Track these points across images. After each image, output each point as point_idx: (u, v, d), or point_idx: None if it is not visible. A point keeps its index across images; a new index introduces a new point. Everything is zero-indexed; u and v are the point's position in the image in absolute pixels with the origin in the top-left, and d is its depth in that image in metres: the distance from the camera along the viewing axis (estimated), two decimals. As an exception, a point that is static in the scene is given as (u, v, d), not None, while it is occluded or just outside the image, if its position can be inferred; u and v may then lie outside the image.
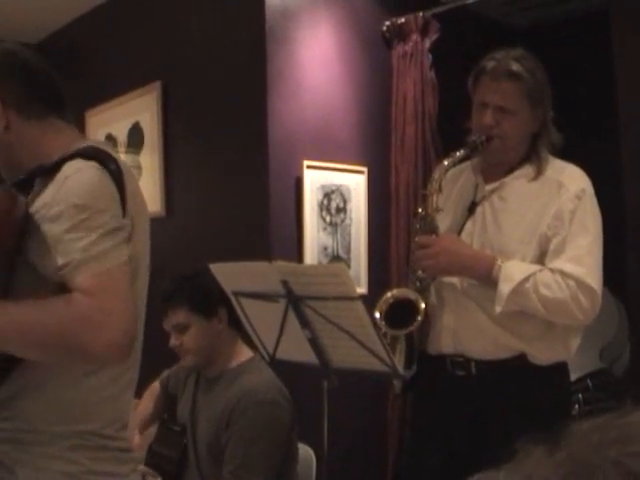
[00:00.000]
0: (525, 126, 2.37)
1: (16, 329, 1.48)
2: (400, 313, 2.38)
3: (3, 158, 1.68)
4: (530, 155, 2.41)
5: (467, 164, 2.54)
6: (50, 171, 1.56)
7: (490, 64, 2.35)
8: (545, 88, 2.37)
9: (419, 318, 2.36)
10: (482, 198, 2.43)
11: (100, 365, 1.57)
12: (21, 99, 1.65)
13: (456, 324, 2.39)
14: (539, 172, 2.37)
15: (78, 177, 1.50)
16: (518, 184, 2.39)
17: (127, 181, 1.59)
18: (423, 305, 2.37)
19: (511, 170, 2.42)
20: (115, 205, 1.53)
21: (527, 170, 2.40)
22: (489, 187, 2.43)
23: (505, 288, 2.23)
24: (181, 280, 2.58)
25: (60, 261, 1.47)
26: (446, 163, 2.43)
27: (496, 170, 2.44)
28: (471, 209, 2.44)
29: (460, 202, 2.50)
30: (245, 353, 2.62)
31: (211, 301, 2.51)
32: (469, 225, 2.43)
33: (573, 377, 2.90)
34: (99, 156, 1.56)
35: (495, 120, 2.34)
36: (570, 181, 2.32)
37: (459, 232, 2.44)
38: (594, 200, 2.33)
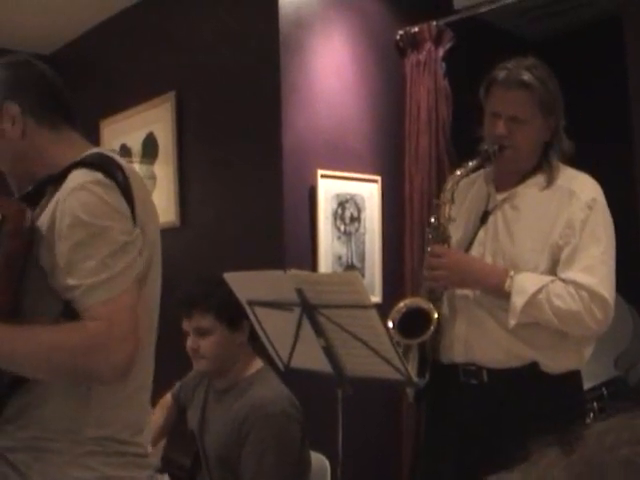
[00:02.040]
0: (537, 135, 2.37)
1: (30, 355, 1.52)
2: (413, 322, 2.37)
3: (16, 167, 1.70)
4: (542, 164, 2.40)
5: (479, 173, 2.53)
6: (57, 180, 1.57)
7: (502, 74, 2.35)
8: (557, 97, 2.37)
9: (432, 328, 2.36)
10: (494, 207, 2.43)
11: (100, 385, 1.60)
12: (38, 108, 1.67)
13: (468, 333, 2.38)
14: (550, 181, 2.37)
15: (82, 193, 1.51)
16: (530, 193, 2.39)
17: (135, 188, 1.60)
18: (436, 315, 2.37)
19: (523, 179, 2.41)
20: (122, 218, 1.54)
21: (539, 179, 2.39)
22: (501, 196, 2.43)
23: (519, 301, 2.22)
24: (212, 285, 2.53)
25: (70, 282, 1.50)
26: (459, 173, 2.43)
27: (508, 179, 2.44)
28: (483, 218, 2.44)
29: (472, 211, 2.50)
30: (255, 365, 2.60)
31: (238, 313, 2.44)
32: (481, 234, 2.43)
33: (588, 386, 2.89)
34: (105, 165, 1.57)
35: (507, 130, 2.34)
36: (581, 190, 2.32)
37: (471, 241, 2.44)
38: (606, 209, 2.33)
